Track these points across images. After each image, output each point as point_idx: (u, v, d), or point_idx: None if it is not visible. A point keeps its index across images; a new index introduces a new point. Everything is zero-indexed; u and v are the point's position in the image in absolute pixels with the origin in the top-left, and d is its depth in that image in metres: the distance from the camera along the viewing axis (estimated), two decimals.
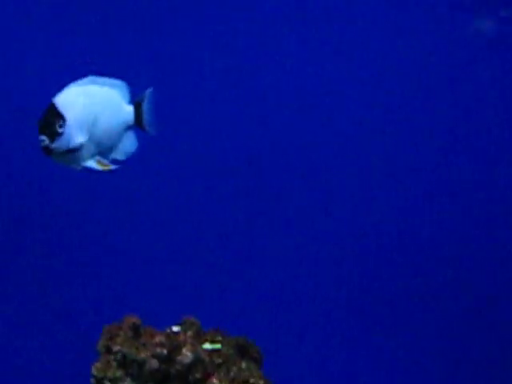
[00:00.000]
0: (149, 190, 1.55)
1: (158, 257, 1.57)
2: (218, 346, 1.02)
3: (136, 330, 1.00)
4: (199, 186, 1.64)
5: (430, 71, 1.92)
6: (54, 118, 1.05)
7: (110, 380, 0.98)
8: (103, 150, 1.13)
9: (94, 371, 0.98)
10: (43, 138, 1.03)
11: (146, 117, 1.15)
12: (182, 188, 1.58)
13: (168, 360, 0.99)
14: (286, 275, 1.69)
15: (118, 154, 1.15)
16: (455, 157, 1.82)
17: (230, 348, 1.04)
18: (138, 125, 1.15)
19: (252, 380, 0.96)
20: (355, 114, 1.82)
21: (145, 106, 1.14)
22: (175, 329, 1.03)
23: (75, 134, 1.07)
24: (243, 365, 1.02)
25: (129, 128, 1.15)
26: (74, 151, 1.08)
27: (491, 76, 1.87)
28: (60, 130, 1.05)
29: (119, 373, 0.98)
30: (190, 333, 1.02)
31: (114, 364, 0.98)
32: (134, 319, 1.01)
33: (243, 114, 1.79)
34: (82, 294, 1.50)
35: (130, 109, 1.16)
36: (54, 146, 1.04)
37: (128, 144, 1.15)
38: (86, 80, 1.11)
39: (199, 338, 1.02)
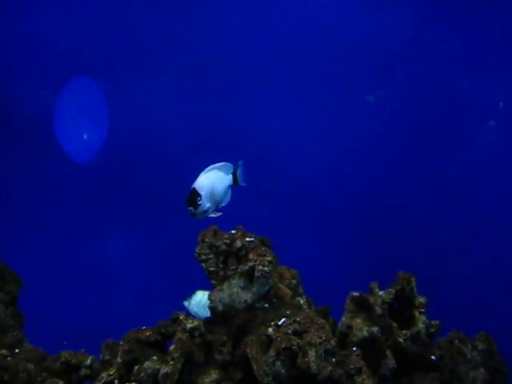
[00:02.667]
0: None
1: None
2: (252, 239, 2.11)
3: (215, 232, 2.10)
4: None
5: None
6: (195, 197, 1.88)
7: (203, 254, 2.10)
8: (218, 204, 1.96)
9: (196, 250, 2.10)
10: (191, 208, 1.88)
11: (239, 178, 1.99)
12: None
13: (229, 245, 2.09)
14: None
15: (224, 203, 2.00)
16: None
17: (258, 240, 2.13)
18: (234, 183, 1.99)
19: (267, 254, 2.05)
20: None
21: (238, 173, 1.99)
22: (233, 231, 2.12)
23: (206, 203, 1.92)
24: (263, 248, 2.11)
25: (229, 187, 1.99)
26: (205, 211, 1.92)
27: None
28: (199, 203, 1.88)
29: (208, 251, 2.10)
30: (239, 233, 2.11)
31: (205, 247, 2.10)
32: (214, 227, 2.12)
33: None
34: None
35: (230, 177, 2.00)
36: (196, 212, 1.89)
37: (229, 196, 2.00)
38: (207, 168, 1.93)
39: (244, 235, 2.11)
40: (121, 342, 2.01)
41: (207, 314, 2.73)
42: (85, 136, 2.98)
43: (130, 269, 2.95)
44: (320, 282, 2.33)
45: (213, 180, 1.94)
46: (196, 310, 2.76)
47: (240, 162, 1.99)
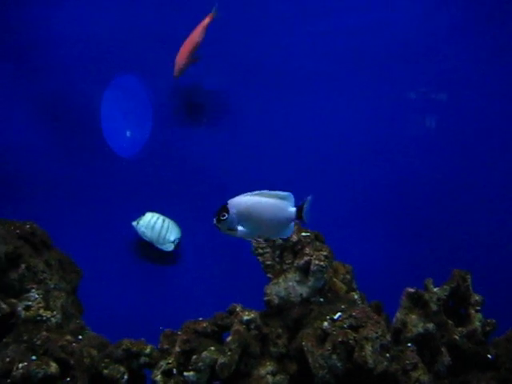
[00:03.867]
0: None
1: None
2: (308, 234, 2.15)
3: None
4: None
5: None
6: (222, 211, 1.78)
7: (260, 248, 2.15)
8: (266, 233, 1.85)
9: (253, 244, 2.14)
10: (214, 219, 1.81)
11: (305, 214, 1.82)
12: None
13: (285, 239, 2.13)
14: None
15: (281, 236, 1.93)
16: None
17: (313, 236, 2.17)
18: (299, 218, 1.82)
19: (323, 249, 2.09)
20: None
21: (305, 208, 1.82)
22: None
23: (233, 224, 1.79)
24: (317, 243, 2.14)
25: (291, 221, 1.84)
26: (232, 230, 1.81)
27: None
28: (223, 218, 1.78)
29: (264, 245, 2.15)
30: (295, 228, 2.13)
31: (262, 241, 2.14)
32: None
33: None
34: None
35: (293, 210, 1.81)
36: (219, 226, 1.81)
37: (288, 231, 1.88)
38: (264, 191, 1.80)
39: (300, 230, 2.15)
40: (179, 332, 2.06)
41: (154, 235, 2.91)
42: (128, 133, 3.06)
43: (177, 262, 3.01)
44: (369, 277, 2.33)
45: (260, 207, 1.82)
46: (144, 230, 2.88)
47: (309, 198, 1.83)
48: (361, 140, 3.00)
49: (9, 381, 1.80)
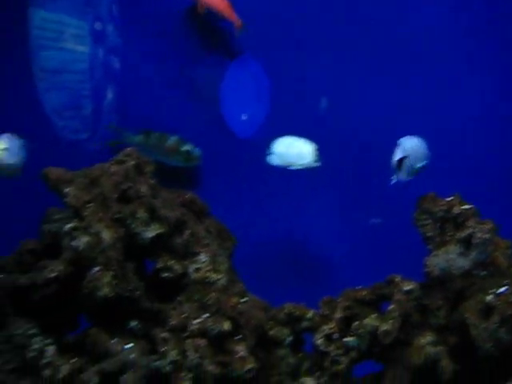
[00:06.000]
0: None
1: None
2: (470, 206, 2.10)
3: (433, 198, 2.12)
4: None
5: None
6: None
7: (421, 220, 2.13)
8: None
9: (414, 215, 2.14)
10: None
11: (405, 168, 2.16)
12: None
13: (447, 211, 2.10)
14: None
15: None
16: None
17: (474, 209, 2.11)
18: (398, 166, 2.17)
19: (487, 222, 2.04)
20: None
21: (406, 163, 2.16)
22: (450, 198, 2.13)
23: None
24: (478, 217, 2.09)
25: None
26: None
27: None
28: None
29: (425, 216, 2.13)
30: (457, 200, 2.11)
31: (423, 212, 2.13)
32: (432, 194, 2.14)
33: None
34: None
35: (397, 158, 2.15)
36: None
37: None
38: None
39: (461, 203, 2.10)
40: (338, 300, 2.11)
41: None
42: (243, 116, 3.12)
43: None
44: None
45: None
46: None
47: (424, 164, 2.21)
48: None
49: (186, 334, 1.93)
